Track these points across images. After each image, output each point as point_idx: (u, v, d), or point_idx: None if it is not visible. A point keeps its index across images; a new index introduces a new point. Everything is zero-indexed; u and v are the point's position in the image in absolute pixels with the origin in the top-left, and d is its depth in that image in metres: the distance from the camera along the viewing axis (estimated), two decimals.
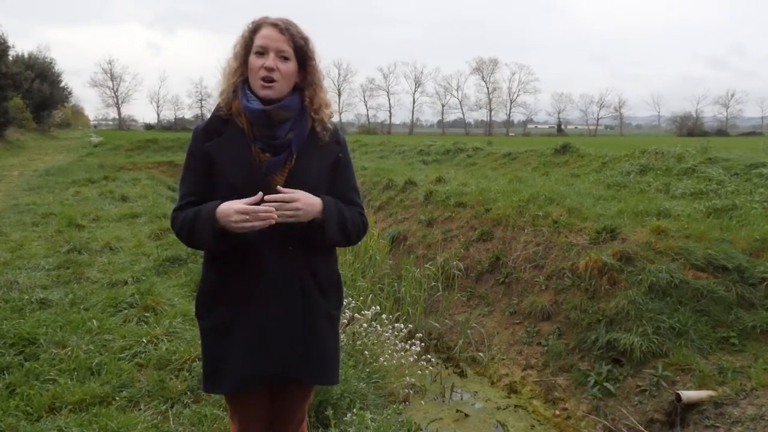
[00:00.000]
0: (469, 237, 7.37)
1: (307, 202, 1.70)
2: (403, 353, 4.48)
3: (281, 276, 1.75)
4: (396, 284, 6.51)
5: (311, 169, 1.79)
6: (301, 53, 1.76)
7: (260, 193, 1.64)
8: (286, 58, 1.72)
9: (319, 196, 1.75)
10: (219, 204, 1.67)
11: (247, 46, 1.75)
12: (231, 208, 1.63)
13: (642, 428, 3.95)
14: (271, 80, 1.71)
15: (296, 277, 1.77)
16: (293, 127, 1.77)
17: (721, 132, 65.19)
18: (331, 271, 1.89)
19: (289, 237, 1.73)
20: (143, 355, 3.65)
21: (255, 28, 1.74)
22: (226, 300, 1.77)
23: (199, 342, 1.89)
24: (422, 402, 4.70)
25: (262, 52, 1.71)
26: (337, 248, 1.97)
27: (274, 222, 1.63)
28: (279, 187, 1.69)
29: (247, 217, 1.61)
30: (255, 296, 1.75)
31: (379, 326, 4.60)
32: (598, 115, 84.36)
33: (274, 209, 1.63)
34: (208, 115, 1.86)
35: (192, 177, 1.80)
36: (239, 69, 1.77)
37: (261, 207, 1.63)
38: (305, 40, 1.77)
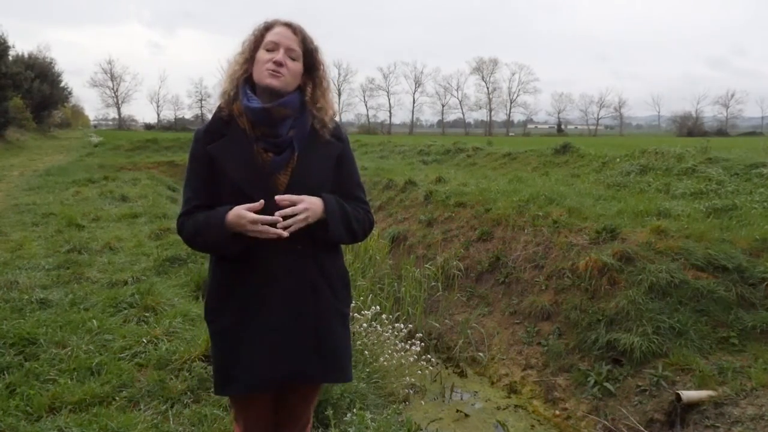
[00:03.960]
0: (469, 237, 7.37)
1: (311, 203, 1.71)
2: (403, 353, 4.49)
3: (291, 275, 1.75)
4: (396, 284, 6.51)
5: (314, 167, 1.79)
6: (310, 58, 1.79)
7: (261, 201, 1.66)
8: (294, 59, 1.75)
9: (319, 195, 1.76)
10: (227, 212, 1.67)
11: (257, 43, 1.76)
12: (244, 218, 1.65)
13: (642, 428, 3.95)
14: (278, 72, 1.72)
15: (306, 276, 1.77)
16: (294, 125, 1.76)
17: (721, 132, 65.12)
18: (340, 268, 1.88)
19: (297, 236, 1.71)
20: (143, 355, 3.65)
21: (267, 27, 1.77)
22: (237, 302, 1.76)
23: (200, 342, 1.90)
24: (422, 402, 4.70)
25: (273, 48, 1.73)
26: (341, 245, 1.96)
27: (287, 235, 1.66)
28: (278, 197, 1.68)
29: (261, 228, 1.64)
30: (265, 297, 1.74)
31: (379, 326, 4.60)
32: (598, 115, 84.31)
33: (280, 219, 1.65)
34: (209, 116, 1.86)
35: (196, 180, 1.79)
36: (245, 64, 1.77)
37: (270, 218, 1.64)
38: (316, 48, 1.81)
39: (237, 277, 1.76)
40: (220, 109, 1.80)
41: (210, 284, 1.85)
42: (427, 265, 6.99)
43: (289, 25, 1.76)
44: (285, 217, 1.67)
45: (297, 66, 1.76)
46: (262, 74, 1.72)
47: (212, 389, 1.92)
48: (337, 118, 1.89)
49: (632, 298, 4.80)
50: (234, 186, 1.73)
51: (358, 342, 4.36)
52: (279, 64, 1.70)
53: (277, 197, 1.68)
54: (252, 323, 1.75)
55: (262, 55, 1.74)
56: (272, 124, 1.73)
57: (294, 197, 1.69)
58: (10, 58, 27.73)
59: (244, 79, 1.77)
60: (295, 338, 1.76)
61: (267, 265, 1.73)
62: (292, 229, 1.67)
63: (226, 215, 1.67)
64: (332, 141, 1.84)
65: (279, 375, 1.76)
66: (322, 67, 1.82)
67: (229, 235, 1.68)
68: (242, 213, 1.65)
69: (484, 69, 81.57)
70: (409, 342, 4.67)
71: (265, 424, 1.92)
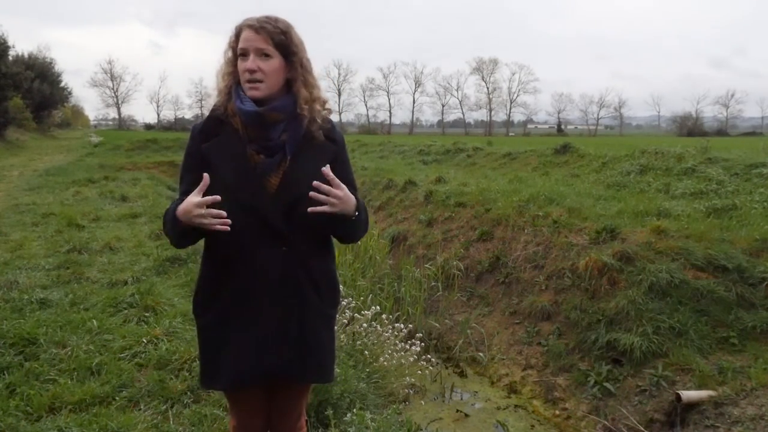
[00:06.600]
0: (469, 237, 7.38)
1: (346, 199, 1.70)
2: (403, 353, 4.48)
3: (276, 276, 1.76)
4: (396, 284, 6.50)
5: (307, 170, 1.77)
6: (283, 47, 1.74)
7: (217, 197, 1.62)
8: (267, 56, 1.71)
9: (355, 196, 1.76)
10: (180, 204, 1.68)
11: (234, 52, 1.77)
12: (190, 203, 1.63)
13: (642, 428, 3.95)
14: (256, 81, 1.71)
15: (291, 277, 1.78)
16: (287, 129, 1.76)
17: (721, 132, 65.12)
18: (327, 270, 1.89)
19: (282, 237, 1.74)
20: (143, 355, 3.65)
21: (238, 33, 1.75)
22: (223, 298, 1.79)
23: (197, 339, 1.91)
24: (422, 402, 4.70)
25: (245, 54, 1.72)
26: (334, 246, 1.97)
27: (228, 229, 1.62)
28: (315, 182, 1.65)
29: (203, 211, 1.60)
30: (250, 296, 1.76)
31: (379, 326, 4.60)
32: (598, 115, 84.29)
33: (225, 213, 1.62)
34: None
35: (189, 177, 1.80)
36: (232, 73, 1.78)
37: (214, 211, 1.61)
38: (285, 33, 1.74)
39: (225, 274, 1.78)
40: (215, 108, 1.80)
41: (199, 279, 1.87)
42: (427, 265, 6.99)
43: (251, 27, 1.72)
44: (298, 202, 1.69)
45: (273, 63, 1.72)
46: (244, 86, 1.73)
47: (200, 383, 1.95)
48: (336, 118, 1.87)
49: (632, 298, 4.80)
50: (224, 186, 1.73)
51: (358, 342, 4.35)
52: (251, 70, 1.70)
53: (314, 183, 1.65)
54: (236, 320, 1.77)
55: (239, 64, 1.74)
56: (264, 127, 1.73)
57: (332, 188, 1.66)
58: (10, 58, 27.77)
59: (236, 82, 1.77)
60: (277, 337, 1.78)
61: (253, 266, 1.75)
62: (317, 210, 1.65)
63: (177, 208, 1.67)
64: (326, 143, 1.83)
65: (259, 372, 1.79)
66: (297, 48, 1.76)
67: (180, 227, 1.67)
68: (190, 199, 1.63)
69: (484, 69, 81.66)
70: (409, 342, 4.67)
71: (258, 418, 1.96)
